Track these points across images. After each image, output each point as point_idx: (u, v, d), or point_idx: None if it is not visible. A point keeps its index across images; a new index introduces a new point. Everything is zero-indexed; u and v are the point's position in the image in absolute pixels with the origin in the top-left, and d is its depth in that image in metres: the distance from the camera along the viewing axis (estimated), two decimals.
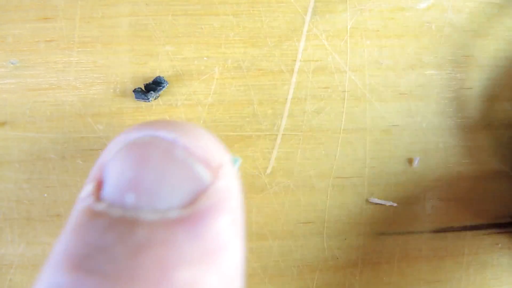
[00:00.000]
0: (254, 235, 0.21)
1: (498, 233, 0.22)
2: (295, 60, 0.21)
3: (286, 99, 0.21)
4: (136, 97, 0.21)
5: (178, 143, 0.15)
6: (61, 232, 0.14)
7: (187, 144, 0.15)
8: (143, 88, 0.21)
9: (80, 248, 0.13)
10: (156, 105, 0.21)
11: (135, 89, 0.21)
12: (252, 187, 0.21)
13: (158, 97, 0.21)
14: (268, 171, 0.21)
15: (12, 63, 0.21)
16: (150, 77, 0.21)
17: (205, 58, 0.21)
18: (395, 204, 0.21)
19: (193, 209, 0.13)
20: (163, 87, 0.21)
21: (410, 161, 0.21)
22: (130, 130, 0.15)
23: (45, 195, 0.21)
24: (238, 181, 0.15)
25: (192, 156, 0.15)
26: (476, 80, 0.22)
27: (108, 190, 0.14)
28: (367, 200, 0.21)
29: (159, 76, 0.21)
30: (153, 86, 0.21)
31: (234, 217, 0.14)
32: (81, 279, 0.12)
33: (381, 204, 0.21)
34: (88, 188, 0.15)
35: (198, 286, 0.12)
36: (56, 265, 0.13)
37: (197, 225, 0.13)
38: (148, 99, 0.20)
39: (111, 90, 0.21)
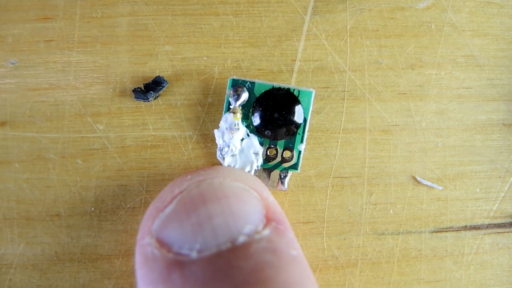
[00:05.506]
0: None
1: (498, 233, 0.22)
2: (294, 60, 0.21)
3: None
4: (136, 97, 0.21)
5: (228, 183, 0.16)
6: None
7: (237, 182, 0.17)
8: (143, 88, 0.21)
9: None
10: (156, 105, 0.21)
11: (134, 88, 0.21)
12: None
13: (157, 97, 0.21)
14: None
15: (11, 63, 0.21)
16: (149, 76, 0.21)
17: (204, 58, 0.21)
18: (440, 188, 0.21)
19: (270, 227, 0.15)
20: (163, 87, 0.21)
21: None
22: (175, 183, 0.17)
23: (45, 195, 0.21)
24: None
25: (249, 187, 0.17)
26: (476, 80, 0.22)
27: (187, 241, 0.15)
28: (414, 178, 0.21)
29: (158, 76, 0.21)
30: (152, 86, 0.21)
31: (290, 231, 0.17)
32: None
33: (428, 185, 0.21)
34: (153, 243, 0.16)
35: None
36: None
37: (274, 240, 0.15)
38: (148, 99, 0.20)
39: (111, 90, 0.21)
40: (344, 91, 0.21)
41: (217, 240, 0.14)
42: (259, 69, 0.21)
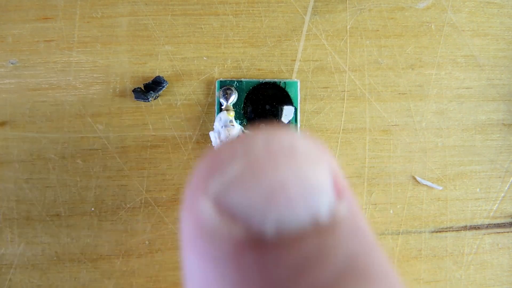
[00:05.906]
0: None
1: (498, 233, 0.22)
2: (294, 60, 0.21)
3: None
4: (136, 97, 0.21)
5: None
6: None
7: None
8: (143, 88, 0.21)
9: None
10: (156, 105, 0.21)
11: (134, 89, 0.21)
12: None
13: (157, 97, 0.21)
14: None
15: (12, 63, 0.21)
16: (149, 77, 0.21)
17: (204, 58, 0.21)
18: (440, 188, 0.21)
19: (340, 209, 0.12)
20: (163, 87, 0.21)
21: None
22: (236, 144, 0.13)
23: (45, 195, 0.21)
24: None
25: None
26: (476, 80, 0.22)
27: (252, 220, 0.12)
28: (413, 178, 0.21)
29: (158, 76, 0.21)
30: (152, 86, 0.21)
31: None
32: None
33: (427, 185, 0.21)
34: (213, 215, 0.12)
35: None
36: None
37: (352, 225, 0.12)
38: (148, 99, 0.20)
39: (111, 90, 0.21)
40: (344, 91, 0.21)
41: (298, 216, 0.12)
42: (259, 69, 0.21)
